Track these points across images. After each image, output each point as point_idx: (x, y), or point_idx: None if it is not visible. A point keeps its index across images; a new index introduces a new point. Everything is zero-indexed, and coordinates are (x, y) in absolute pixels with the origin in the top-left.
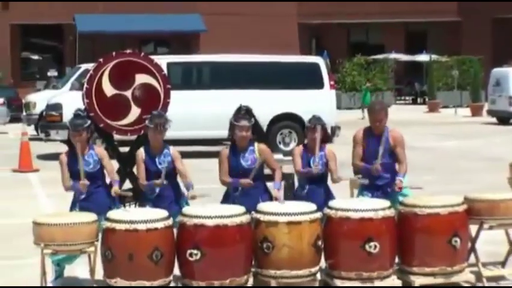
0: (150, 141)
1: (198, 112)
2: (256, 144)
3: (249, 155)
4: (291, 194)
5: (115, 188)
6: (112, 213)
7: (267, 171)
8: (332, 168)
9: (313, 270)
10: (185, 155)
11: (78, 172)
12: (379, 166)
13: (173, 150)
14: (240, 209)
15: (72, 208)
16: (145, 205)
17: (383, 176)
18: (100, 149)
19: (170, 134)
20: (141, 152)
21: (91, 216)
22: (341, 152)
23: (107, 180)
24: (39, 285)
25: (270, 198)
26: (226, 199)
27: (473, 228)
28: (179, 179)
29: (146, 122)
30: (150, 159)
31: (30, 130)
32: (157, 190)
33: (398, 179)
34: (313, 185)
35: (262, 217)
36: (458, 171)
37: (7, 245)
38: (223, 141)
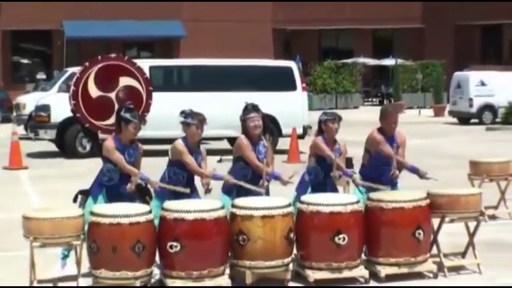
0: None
1: (179, 112)
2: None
3: (262, 149)
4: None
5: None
6: (96, 208)
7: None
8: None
9: (285, 261)
10: (166, 153)
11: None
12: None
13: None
14: (218, 203)
15: (99, 193)
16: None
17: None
18: (140, 145)
19: (153, 133)
20: (180, 144)
21: (77, 211)
22: None
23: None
24: (28, 275)
25: None
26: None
27: (435, 222)
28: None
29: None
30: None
31: (20, 130)
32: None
33: (394, 169)
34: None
35: (237, 211)
36: (422, 168)
37: (2, 238)
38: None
